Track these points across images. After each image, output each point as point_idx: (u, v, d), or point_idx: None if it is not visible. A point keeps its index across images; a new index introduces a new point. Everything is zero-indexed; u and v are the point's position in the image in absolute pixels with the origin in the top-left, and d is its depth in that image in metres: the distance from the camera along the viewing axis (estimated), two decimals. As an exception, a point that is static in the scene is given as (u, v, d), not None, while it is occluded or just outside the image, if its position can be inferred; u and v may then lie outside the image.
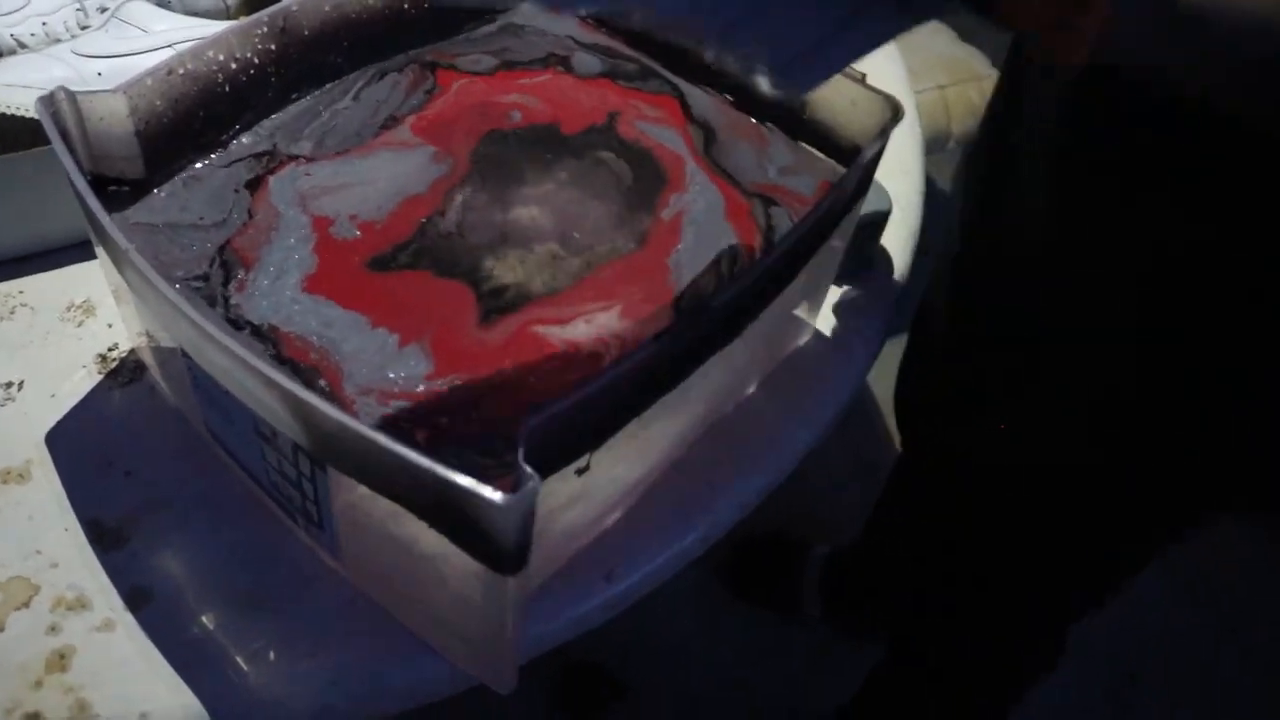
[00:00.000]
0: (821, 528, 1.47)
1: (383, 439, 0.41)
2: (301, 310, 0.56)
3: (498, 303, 0.57)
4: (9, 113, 0.68)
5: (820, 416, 0.68)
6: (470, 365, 0.54)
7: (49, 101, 0.54)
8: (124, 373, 0.67)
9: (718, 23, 0.49)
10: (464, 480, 0.39)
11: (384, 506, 0.46)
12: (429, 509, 0.44)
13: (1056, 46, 0.43)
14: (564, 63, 0.72)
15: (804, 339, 0.70)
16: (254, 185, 0.60)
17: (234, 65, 0.62)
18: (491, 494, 0.39)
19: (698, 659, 1.39)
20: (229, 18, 0.85)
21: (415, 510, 0.44)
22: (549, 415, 0.42)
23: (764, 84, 0.49)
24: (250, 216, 0.59)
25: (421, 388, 0.53)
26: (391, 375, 0.54)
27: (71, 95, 0.55)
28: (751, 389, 0.67)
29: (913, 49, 0.83)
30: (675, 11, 0.50)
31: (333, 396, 0.53)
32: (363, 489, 0.46)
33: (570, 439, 0.45)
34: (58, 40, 0.74)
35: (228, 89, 0.62)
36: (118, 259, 0.51)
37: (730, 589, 1.43)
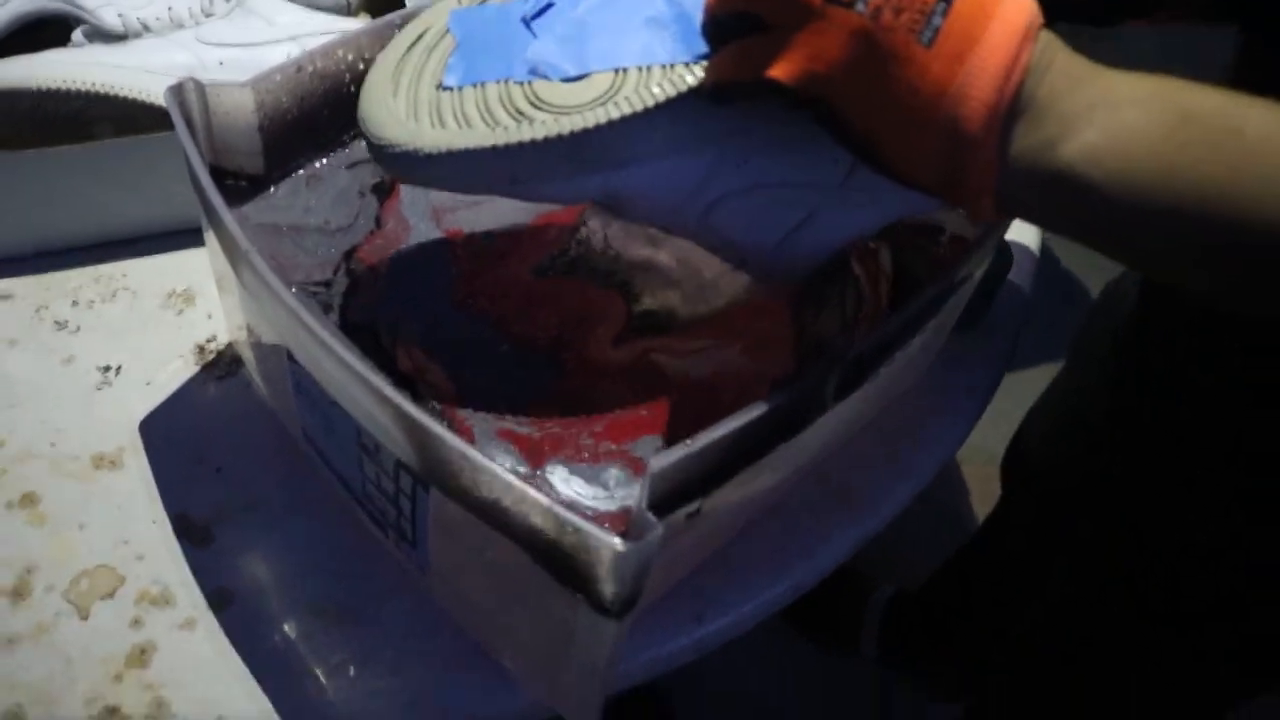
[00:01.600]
0: (886, 565, 1.44)
1: (501, 472, 0.40)
2: (431, 322, 0.55)
3: (634, 324, 0.56)
4: (131, 96, 0.68)
5: (922, 470, 0.66)
6: (595, 383, 0.53)
7: (177, 91, 0.54)
8: (221, 366, 0.66)
9: (701, 202, 0.47)
10: (586, 525, 0.38)
11: (484, 533, 0.45)
12: (539, 545, 0.42)
13: (958, 204, 0.41)
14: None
15: (910, 389, 0.68)
16: (379, 190, 0.60)
17: (362, 66, 0.61)
18: (613, 540, 0.38)
19: (753, 694, 1.36)
20: (349, 13, 0.84)
21: (523, 545, 0.43)
22: (675, 461, 0.40)
23: (749, 271, 0.48)
24: (379, 225, 0.58)
25: (543, 401, 0.52)
26: (516, 385, 0.53)
27: (200, 86, 0.54)
28: (854, 435, 0.65)
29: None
30: (659, 209, 0.49)
31: (444, 412, 0.52)
32: (464, 513, 0.45)
33: (690, 484, 0.44)
34: (181, 26, 0.74)
35: (352, 89, 0.61)
36: (234, 258, 0.50)
37: (788, 621, 1.40)
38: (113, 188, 0.68)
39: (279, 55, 0.72)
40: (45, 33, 0.75)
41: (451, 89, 0.48)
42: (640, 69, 0.46)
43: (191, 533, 0.58)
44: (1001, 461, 1.02)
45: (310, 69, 0.58)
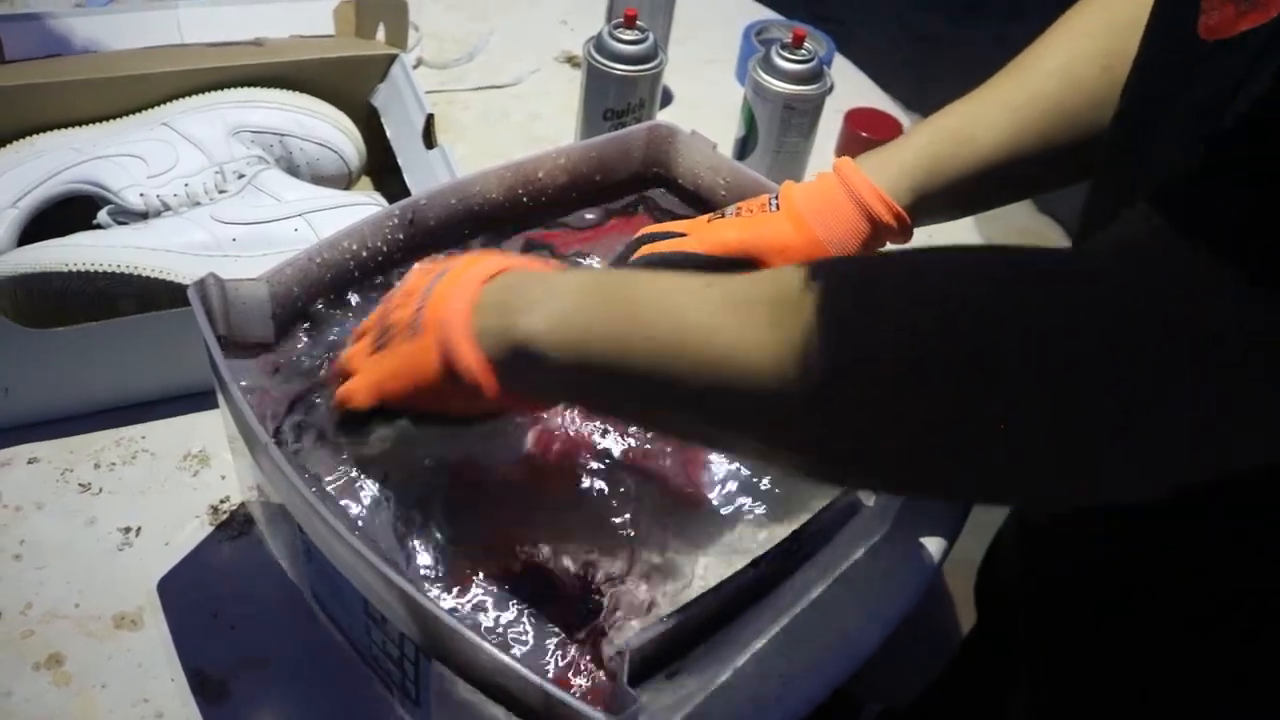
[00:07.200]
0: (873, 682, 1.46)
1: (496, 653, 0.44)
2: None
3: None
4: (153, 275, 0.74)
5: (890, 614, 0.71)
6: None
7: (200, 287, 0.59)
8: (234, 526, 0.71)
9: None
10: (573, 702, 0.43)
11: (483, 699, 0.49)
12: (532, 715, 0.47)
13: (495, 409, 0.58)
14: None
15: (877, 536, 0.72)
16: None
17: (365, 254, 0.67)
18: (597, 715, 0.42)
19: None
20: (348, 185, 0.91)
21: (518, 714, 0.47)
22: (650, 639, 0.45)
23: None
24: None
25: None
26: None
27: (220, 282, 0.60)
28: (825, 584, 0.69)
29: (990, 219, 0.87)
30: None
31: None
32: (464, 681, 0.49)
33: (666, 652, 0.48)
34: (197, 203, 0.80)
35: (357, 274, 0.67)
36: (253, 446, 0.55)
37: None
38: (134, 359, 0.73)
39: (287, 231, 0.78)
40: (74, 207, 0.81)
41: None
42: None
43: (208, 689, 0.62)
44: (975, 581, 1.06)
45: (318, 260, 0.64)
